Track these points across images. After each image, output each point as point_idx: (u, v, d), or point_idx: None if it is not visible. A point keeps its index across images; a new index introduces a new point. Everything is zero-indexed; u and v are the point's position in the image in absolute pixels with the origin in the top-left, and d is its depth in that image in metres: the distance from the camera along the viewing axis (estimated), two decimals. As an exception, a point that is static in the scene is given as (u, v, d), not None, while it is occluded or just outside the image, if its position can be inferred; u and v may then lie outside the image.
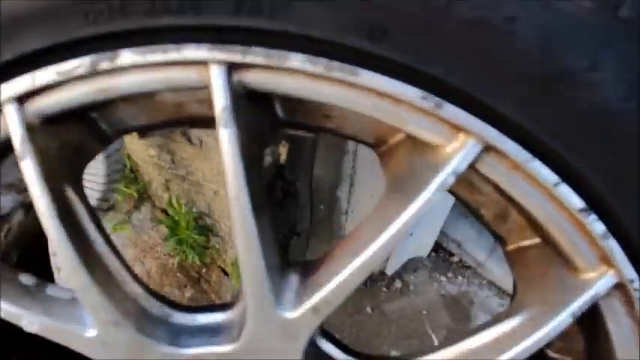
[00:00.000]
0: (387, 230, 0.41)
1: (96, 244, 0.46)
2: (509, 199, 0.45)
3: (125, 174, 1.47)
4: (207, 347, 0.50)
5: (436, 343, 1.31)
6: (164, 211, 1.48)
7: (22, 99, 0.40)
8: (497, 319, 0.47)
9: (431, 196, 0.40)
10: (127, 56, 0.37)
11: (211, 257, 1.34)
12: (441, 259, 1.46)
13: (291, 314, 0.45)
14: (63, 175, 0.44)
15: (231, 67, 0.38)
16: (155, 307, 0.51)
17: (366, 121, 0.46)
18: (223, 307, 0.53)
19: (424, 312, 1.34)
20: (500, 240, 0.51)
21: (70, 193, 0.44)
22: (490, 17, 0.33)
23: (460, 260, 1.45)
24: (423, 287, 1.37)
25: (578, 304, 0.42)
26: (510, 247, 0.51)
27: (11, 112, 0.40)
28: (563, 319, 0.43)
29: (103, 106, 0.45)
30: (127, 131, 0.50)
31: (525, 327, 0.45)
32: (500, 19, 0.33)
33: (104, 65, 0.37)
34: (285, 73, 0.38)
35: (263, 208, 0.44)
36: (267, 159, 1.03)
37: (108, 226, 1.41)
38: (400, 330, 1.30)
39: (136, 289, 0.49)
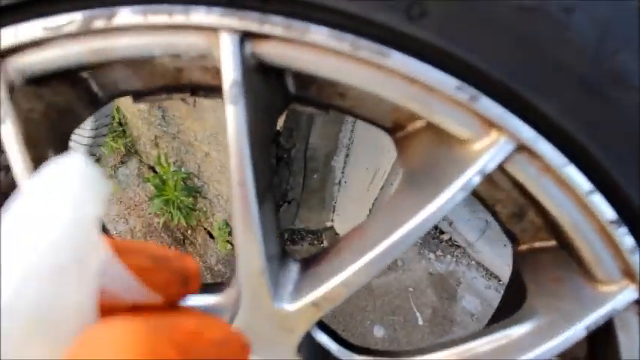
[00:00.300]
0: (400, 230, 0.38)
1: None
2: (531, 200, 0.43)
3: (113, 127, 1.41)
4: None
5: (420, 321, 1.31)
6: (152, 168, 1.43)
7: (2, 55, 0.35)
8: (505, 324, 0.44)
9: (452, 196, 0.37)
10: (125, 15, 0.32)
11: (198, 219, 1.31)
12: (431, 236, 1.44)
13: (290, 307, 0.42)
14: (47, 140, 0.40)
15: (245, 37, 0.33)
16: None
17: (384, 105, 0.42)
18: (214, 289, 0.50)
19: (410, 289, 1.33)
20: (512, 238, 0.49)
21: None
22: (549, 6, 0.29)
23: (450, 239, 1.43)
24: (411, 264, 1.36)
25: (595, 316, 0.40)
26: (522, 247, 0.48)
27: (-12, 68, 0.35)
28: (576, 331, 0.40)
29: (96, 66, 0.41)
30: (121, 95, 0.45)
31: (535, 335, 0.42)
32: (559, 9, 0.29)
33: (99, 24, 0.33)
34: (305, 48, 0.34)
35: (267, 193, 0.40)
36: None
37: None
38: (385, 305, 1.29)
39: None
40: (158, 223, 1.35)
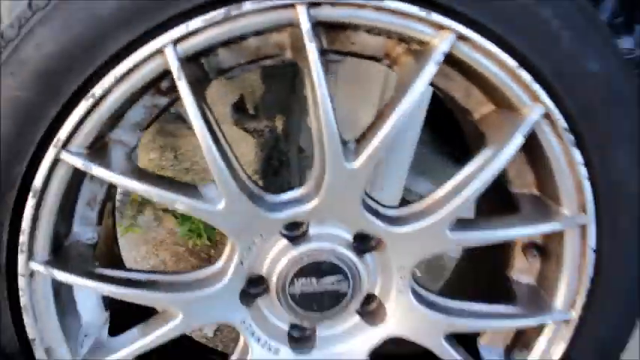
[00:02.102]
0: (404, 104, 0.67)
1: (221, 139, 0.68)
2: (474, 81, 0.74)
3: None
4: (296, 208, 0.73)
5: (418, 273, 1.59)
6: (166, 209, 1.65)
7: (176, 41, 0.62)
8: (478, 158, 0.73)
9: (430, 75, 0.66)
10: (248, 5, 0.61)
11: (220, 234, 1.53)
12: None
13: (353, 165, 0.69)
14: (196, 93, 0.66)
15: (309, 6, 0.62)
16: (254, 188, 0.73)
17: (377, 43, 0.72)
18: (298, 187, 0.76)
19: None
20: (468, 113, 0.79)
21: (204, 106, 0.67)
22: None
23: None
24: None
25: (525, 127, 0.69)
26: (476, 115, 0.79)
27: (170, 51, 0.62)
28: (518, 139, 0.70)
29: (207, 53, 0.69)
30: (221, 72, 0.73)
31: (495, 150, 0.71)
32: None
33: (234, 12, 0.61)
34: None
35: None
36: (267, 132, 1.26)
37: (119, 230, 1.56)
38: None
39: (242, 174, 0.72)
40: (184, 250, 1.56)
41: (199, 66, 0.69)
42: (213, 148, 0.66)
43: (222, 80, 1.05)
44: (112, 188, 0.79)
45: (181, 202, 0.68)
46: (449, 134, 1.31)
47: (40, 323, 0.73)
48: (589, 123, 0.71)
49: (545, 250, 0.85)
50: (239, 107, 1.27)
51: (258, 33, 0.66)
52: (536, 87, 0.68)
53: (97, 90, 0.62)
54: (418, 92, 0.66)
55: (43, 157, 0.64)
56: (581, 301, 0.81)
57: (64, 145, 0.64)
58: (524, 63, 0.67)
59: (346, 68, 1.16)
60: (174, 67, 0.62)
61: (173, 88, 0.70)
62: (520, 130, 0.70)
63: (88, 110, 0.63)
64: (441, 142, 1.95)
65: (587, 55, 0.68)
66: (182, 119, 1.38)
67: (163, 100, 0.72)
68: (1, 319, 0.71)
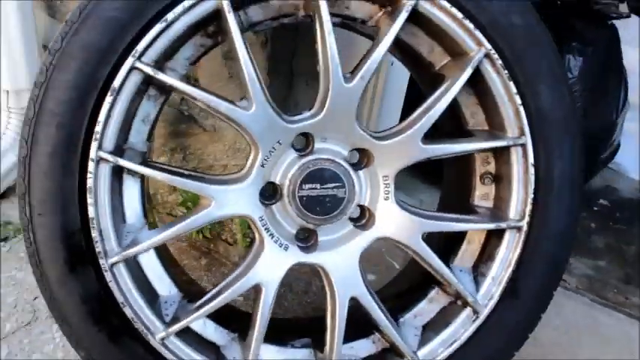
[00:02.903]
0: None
1: (255, 64, 0.92)
2: (435, 38, 1.02)
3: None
4: (306, 122, 0.96)
5: (397, 266, 1.77)
6: (169, 212, 1.82)
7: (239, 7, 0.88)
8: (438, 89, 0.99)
9: (398, 26, 0.94)
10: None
11: (216, 231, 1.70)
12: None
13: (349, 84, 0.94)
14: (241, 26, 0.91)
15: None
16: (275, 106, 0.96)
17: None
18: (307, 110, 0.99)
19: (383, 249, 1.81)
20: (432, 65, 1.06)
21: (244, 40, 0.92)
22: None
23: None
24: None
25: (474, 62, 0.96)
26: (436, 68, 1.06)
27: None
28: (468, 72, 0.96)
29: (244, 7, 0.95)
30: (252, 25, 0.99)
31: (450, 84, 0.97)
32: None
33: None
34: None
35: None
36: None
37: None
38: (368, 261, 1.75)
39: (267, 93, 0.95)
40: (186, 245, 1.71)
41: (238, 16, 0.95)
42: (250, 66, 0.90)
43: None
44: (159, 113, 1.00)
45: (224, 106, 0.91)
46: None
47: (98, 207, 0.90)
48: (519, 62, 0.98)
49: (498, 176, 1.09)
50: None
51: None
52: (478, 34, 0.96)
53: (170, 15, 0.87)
54: (393, 34, 0.93)
55: (123, 64, 0.87)
56: (528, 210, 1.03)
57: (140, 57, 0.87)
58: (468, 15, 0.96)
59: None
60: (226, 3, 0.88)
61: (217, 32, 0.96)
62: (470, 65, 0.97)
63: (161, 31, 0.87)
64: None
65: (513, 11, 0.97)
66: (194, 119, 1.61)
67: (209, 42, 0.97)
68: (71, 198, 0.88)
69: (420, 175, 2.16)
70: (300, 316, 1.54)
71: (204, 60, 1.04)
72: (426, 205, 2.07)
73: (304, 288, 1.64)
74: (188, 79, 0.96)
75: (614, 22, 1.91)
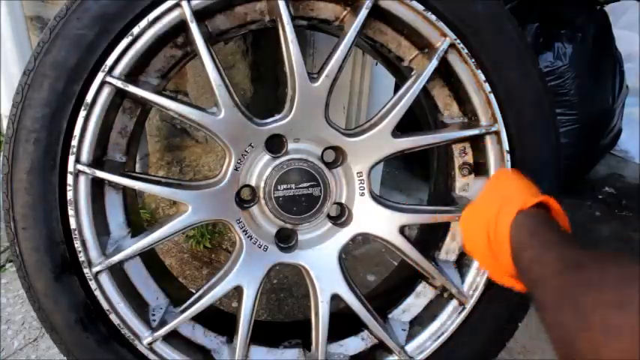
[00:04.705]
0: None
1: (221, 70, 0.95)
2: (401, 34, 1.03)
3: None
4: (276, 124, 0.98)
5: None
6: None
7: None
8: (405, 83, 1.00)
9: (359, 22, 0.95)
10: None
11: (217, 241, 1.73)
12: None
13: (315, 84, 0.95)
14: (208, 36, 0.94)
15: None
16: (245, 111, 0.98)
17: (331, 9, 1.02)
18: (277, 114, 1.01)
19: (382, 250, 1.80)
20: (401, 59, 1.07)
21: (211, 50, 0.94)
22: None
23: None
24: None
25: (439, 54, 0.97)
26: (405, 62, 1.06)
27: (185, 4, 0.91)
28: (434, 64, 0.97)
29: (209, 17, 0.98)
30: (220, 34, 1.02)
31: (416, 77, 0.98)
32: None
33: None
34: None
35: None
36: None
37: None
38: (369, 262, 1.74)
39: (235, 98, 0.97)
40: (188, 256, 1.74)
41: (204, 26, 0.98)
42: (216, 73, 0.92)
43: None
44: (137, 125, 1.03)
45: (195, 113, 0.93)
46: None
47: (80, 218, 0.93)
48: (485, 50, 0.99)
49: (476, 167, 1.09)
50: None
51: (245, 1, 0.96)
52: (441, 24, 0.97)
53: (135, 30, 0.90)
54: (355, 30, 0.95)
55: (93, 79, 0.90)
56: (506, 197, 1.02)
57: (110, 71, 0.91)
58: (430, 7, 0.96)
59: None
60: (188, 13, 0.91)
61: (186, 44, 0.99)
62: (435, 57, 0.97)
63: (128, 45, 0.91)
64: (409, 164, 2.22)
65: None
66: (187, 132, 1.64)
67: (179, 52, 1.00)
68: (52, 211, 0.92)
69: (420, 175, 2.15)
70: (298, 319, 1.55)
71: (191, 73, 1.07)
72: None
73: (304, 292, 1.65)
74: (172, 91, 0.99)
75: (605, 7, 1.89)
